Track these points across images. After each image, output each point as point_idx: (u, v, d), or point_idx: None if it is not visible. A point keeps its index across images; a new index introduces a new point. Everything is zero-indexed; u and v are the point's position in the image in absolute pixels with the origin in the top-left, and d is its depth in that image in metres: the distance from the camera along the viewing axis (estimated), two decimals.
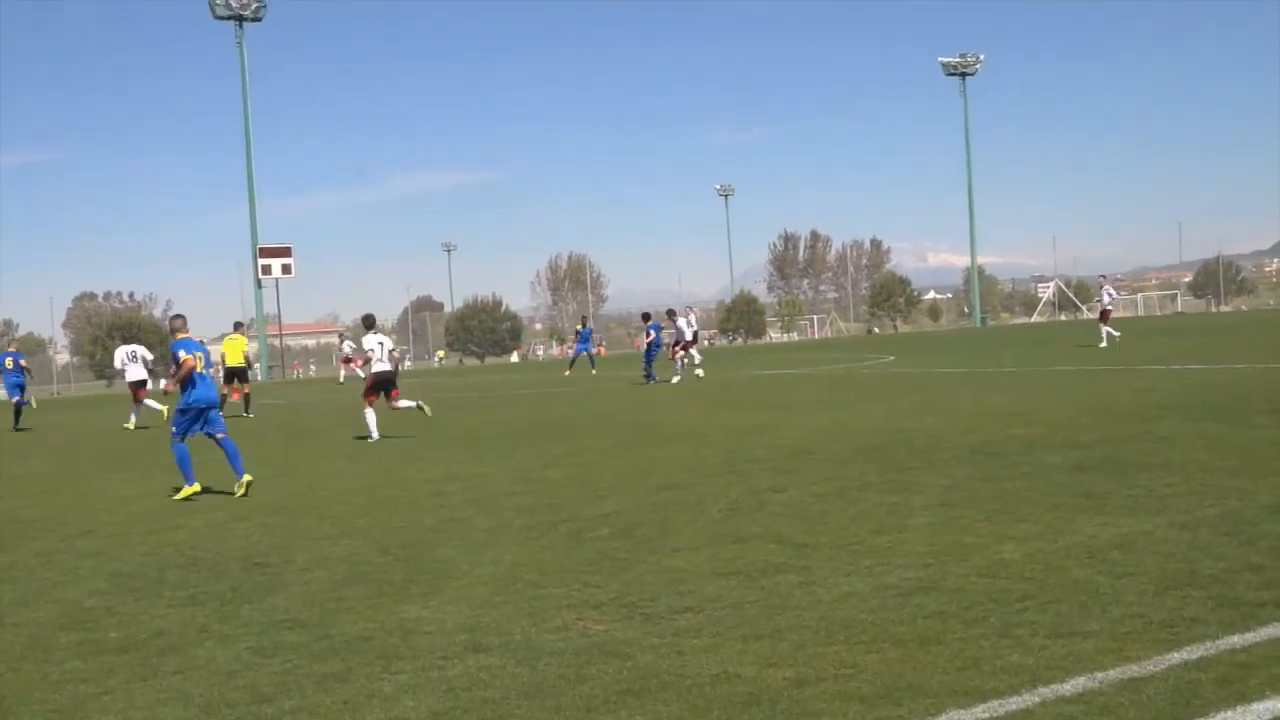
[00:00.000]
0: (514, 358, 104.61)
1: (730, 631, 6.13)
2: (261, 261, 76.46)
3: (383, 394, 19.63)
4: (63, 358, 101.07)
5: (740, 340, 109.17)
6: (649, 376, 32.18)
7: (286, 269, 78.19)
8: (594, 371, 42.69)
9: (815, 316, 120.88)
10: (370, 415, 19.43)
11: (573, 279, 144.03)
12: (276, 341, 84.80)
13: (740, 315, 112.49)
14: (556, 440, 17.35)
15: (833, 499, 10.15)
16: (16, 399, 29.91)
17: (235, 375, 28.93)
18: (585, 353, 44.90)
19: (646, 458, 14.23)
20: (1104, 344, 34.46)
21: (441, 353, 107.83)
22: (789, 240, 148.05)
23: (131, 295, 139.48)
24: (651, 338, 33.31)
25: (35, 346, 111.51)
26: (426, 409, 19.52)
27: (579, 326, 49.84)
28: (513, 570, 8.09)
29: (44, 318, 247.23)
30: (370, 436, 19.24)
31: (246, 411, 28.47)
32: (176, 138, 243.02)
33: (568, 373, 42.92)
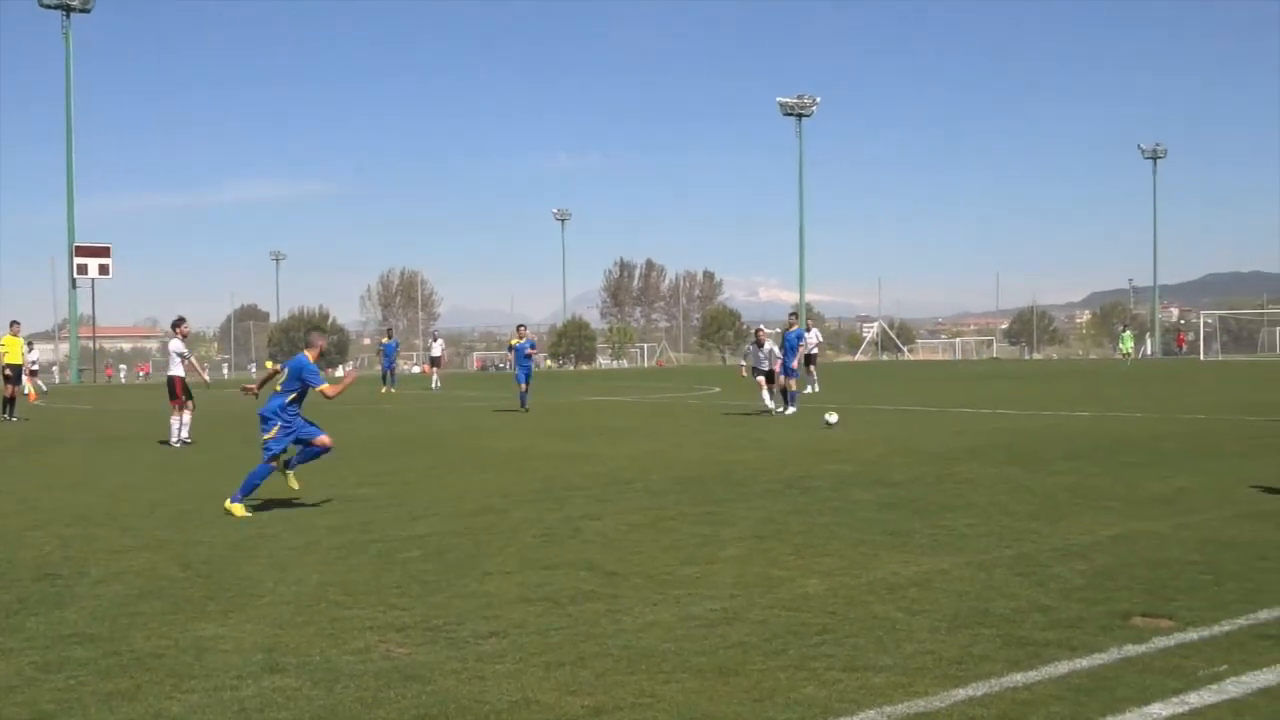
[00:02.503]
0: (338, 372, 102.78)
1: (533, 658, 6.11)
2: (77, 260, 73.62)
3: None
4: None
5: (570, 365, 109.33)
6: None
7: (104, 269, 75.48)
8: (388, 390, 41.55)
9: (646, 345, 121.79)
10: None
11: (404, 295, 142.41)
12: (90, 343, 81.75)
13: (571, 340, 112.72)
14: (376, 459, 17.10)
15: (646, 529, 10.22)
16: None
17: (13, 375, 28.32)
18: (389, 369, 43.45)
19: (465, 481, 14.12)
20: (810, 389, 33.27)
21: (270, 363, 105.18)
22: (624, 268, 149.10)
23: None
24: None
25: None
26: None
27: (383, 340, 48.20)
28: (318, 590, 7.93)
29: None
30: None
31: (10, 415, 27.66)
32: None
33: (392, 390, 41.79)
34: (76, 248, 73.58)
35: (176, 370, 20.28)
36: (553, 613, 7.15)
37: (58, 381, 77.86)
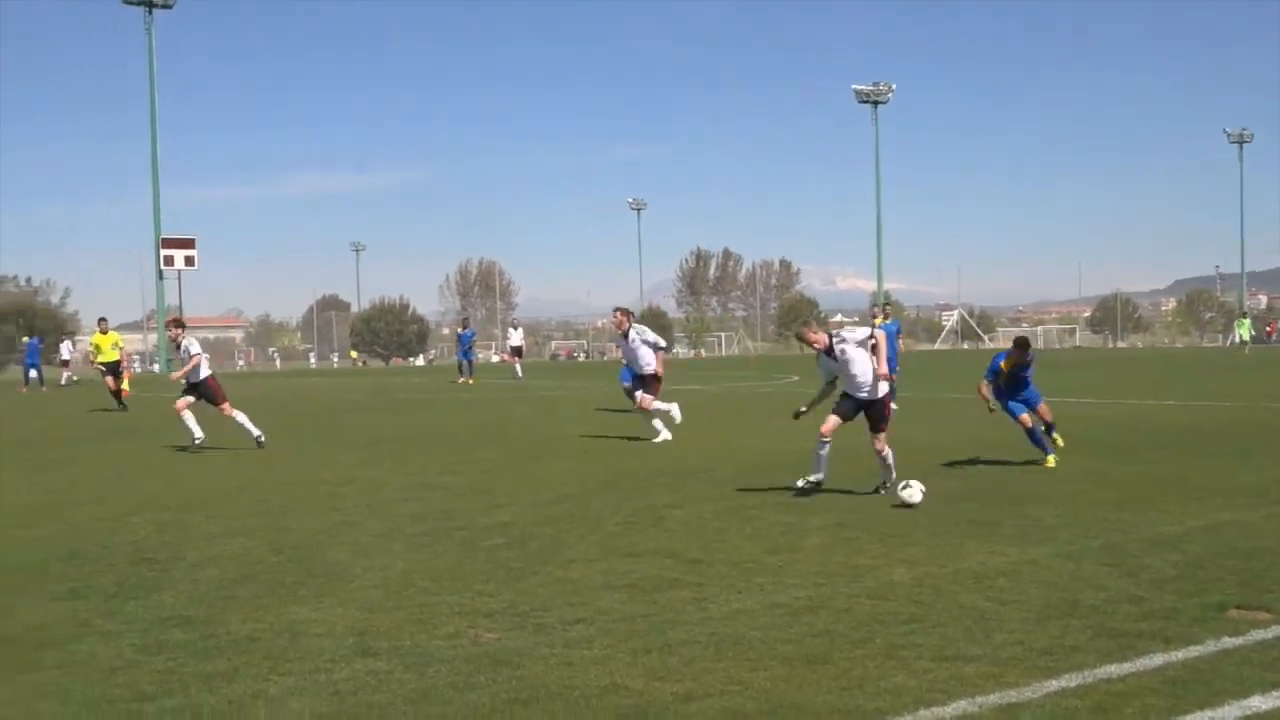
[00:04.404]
0: (419, 361, 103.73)
1: (621, 644, 6.15)
2: (164, 252, 75.02)
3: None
4: None
5: None
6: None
7: (190, 261, 76.83)
8: (465, 379, 41.23)
9: (723, 334, 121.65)
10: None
11: (483, 285, 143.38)
12: None
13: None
14: (453, 447, 17.25)
15: (728, 517, 10.23)
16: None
17: (109, 370, 28.80)
18: (467, 360, 42.48)
19: (544, 469, 14.21)
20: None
21: (354, 353, 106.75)
22: (700, 257, 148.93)
23: (29, 280, 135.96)
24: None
25: None
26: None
27: (459, 329, 47.69)
28: (405, 576, 8.04)
29: None
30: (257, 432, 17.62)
31: (120, 405, 28.22)
32: (82, 122, 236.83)
33: (470, 379, 41.49)
34: (163, 240, 75.00)
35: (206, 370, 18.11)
36: (638, 600, 7.19)
37: (139, 371, 79.36)
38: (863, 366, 11.12)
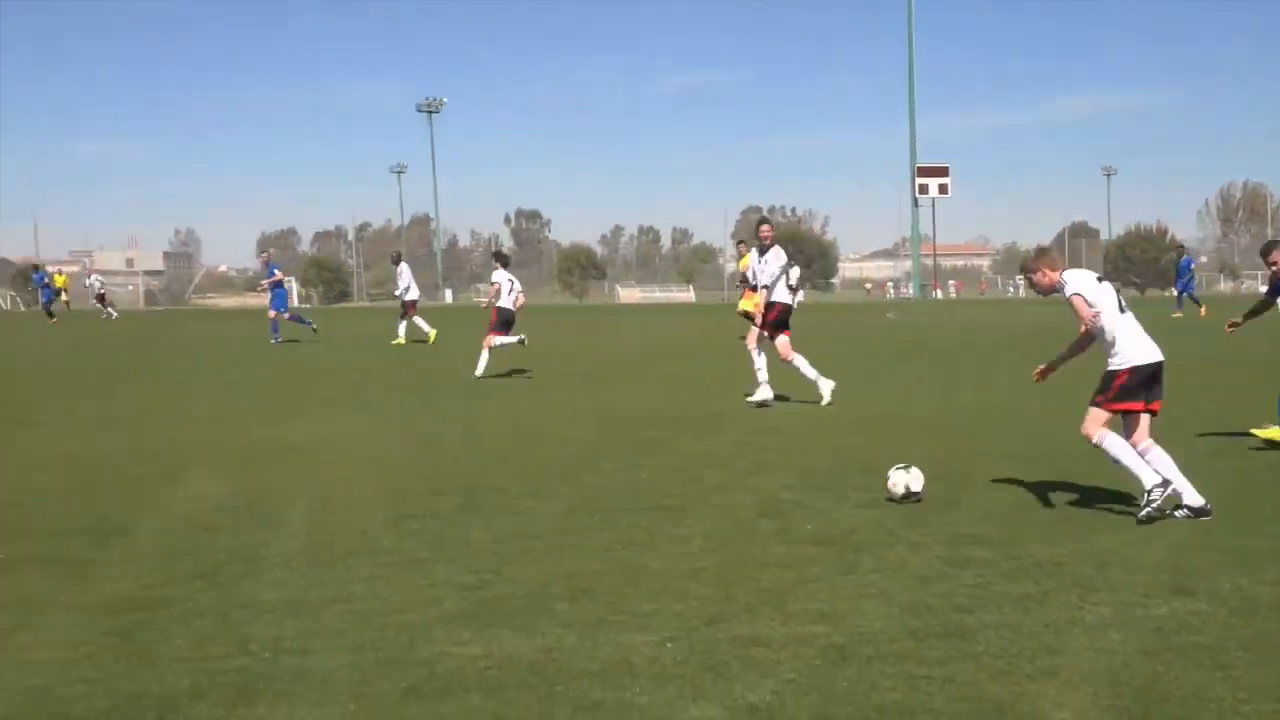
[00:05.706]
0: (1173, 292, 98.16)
1: None
2: (919, 181, 77.37)
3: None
4: (730, 266, 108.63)
5: None
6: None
7: (943, 189, 78.66)
8: (1176, 315, 36.13)
9: None
10: (485, 356, 17.97)
11: (1248, 209, 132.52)
12: (929, 261, 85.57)
13: None
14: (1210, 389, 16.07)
15: None
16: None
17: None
18: (1188, 293, 38.80)
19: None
20: None
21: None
22: None
23: (793, 210, 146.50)
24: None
25: (707, 255, 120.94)
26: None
27: (1178, 258, 43.19)
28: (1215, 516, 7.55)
29: (718, 228, 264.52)
30: (477, 371, 17.76)
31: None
32: (846, 57, 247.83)
33: (1176, 314, 36.19)
34: (918, 168, 77.28)
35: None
36: None
37: (892, 297, 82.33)
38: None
